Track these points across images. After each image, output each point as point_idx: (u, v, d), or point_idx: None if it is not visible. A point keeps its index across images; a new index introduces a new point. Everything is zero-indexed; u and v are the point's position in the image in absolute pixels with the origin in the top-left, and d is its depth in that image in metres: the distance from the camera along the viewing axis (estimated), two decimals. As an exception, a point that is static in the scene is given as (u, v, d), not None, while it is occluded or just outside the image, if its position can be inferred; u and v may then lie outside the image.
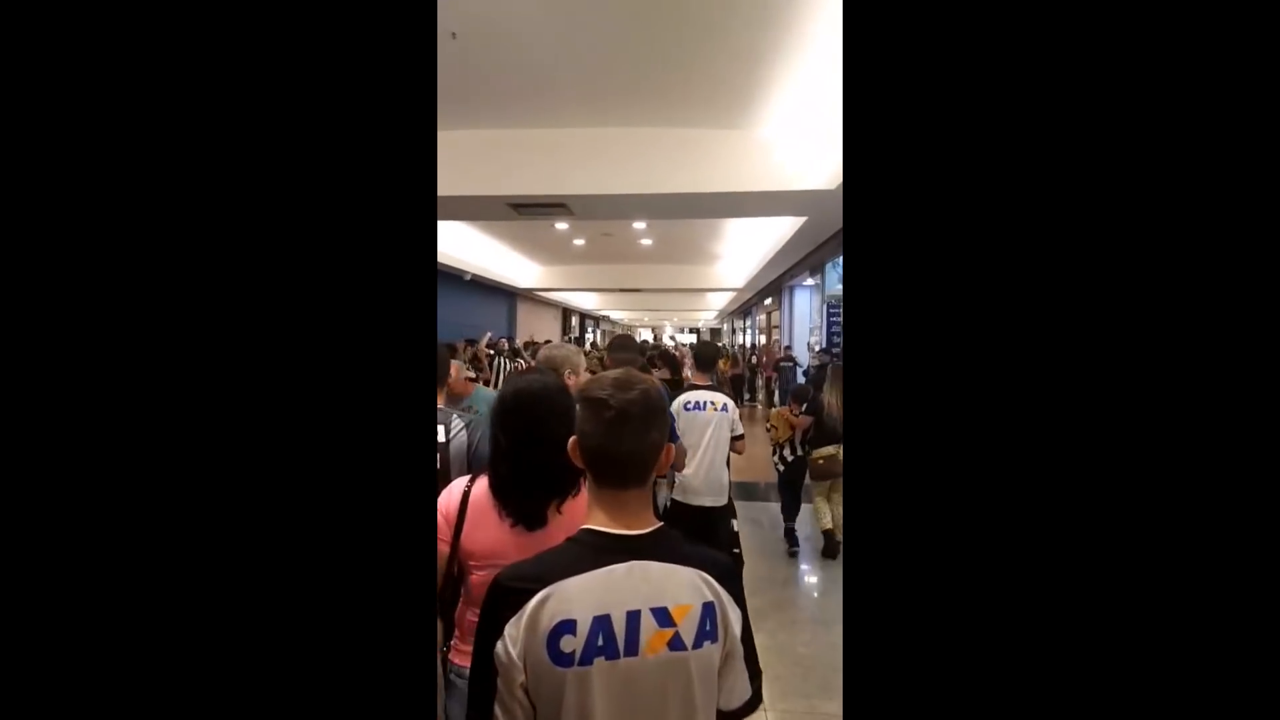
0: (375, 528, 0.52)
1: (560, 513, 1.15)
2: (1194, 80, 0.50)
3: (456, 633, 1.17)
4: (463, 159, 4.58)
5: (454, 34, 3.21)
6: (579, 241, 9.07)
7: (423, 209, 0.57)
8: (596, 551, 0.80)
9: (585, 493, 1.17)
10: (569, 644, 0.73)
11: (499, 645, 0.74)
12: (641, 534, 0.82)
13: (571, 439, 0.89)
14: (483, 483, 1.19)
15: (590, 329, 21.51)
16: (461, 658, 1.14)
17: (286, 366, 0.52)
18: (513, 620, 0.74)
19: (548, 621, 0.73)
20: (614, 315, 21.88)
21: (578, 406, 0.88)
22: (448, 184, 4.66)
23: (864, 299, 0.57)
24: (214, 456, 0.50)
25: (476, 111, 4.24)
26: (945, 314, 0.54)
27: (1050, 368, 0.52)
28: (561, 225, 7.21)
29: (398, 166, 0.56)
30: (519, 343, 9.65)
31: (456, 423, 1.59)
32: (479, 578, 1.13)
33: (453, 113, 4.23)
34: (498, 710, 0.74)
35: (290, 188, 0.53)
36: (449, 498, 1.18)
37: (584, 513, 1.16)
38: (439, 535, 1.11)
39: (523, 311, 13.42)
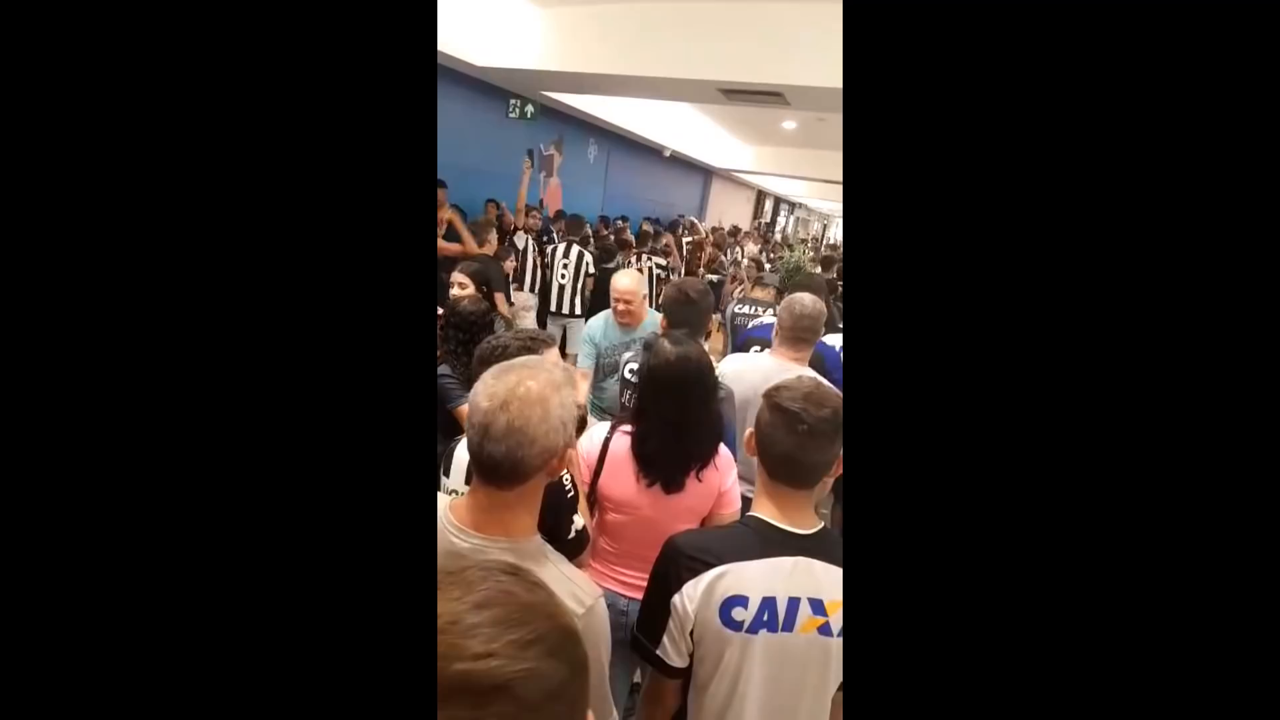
0: (372, 513, 0.51)
1: (699, 480, 1.25)
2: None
3: (591, 552, 1.33)
4: (661, 33, 4.22)
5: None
6: (789, 125, 8.34)
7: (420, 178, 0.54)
8: (766, 542, 0.93)
9: (722, 462, 1.26)
10: (739, 614, 0.90)
11: (676, 598, 0.92)
12: (808, 534, 0.95)
13: (749, 432, 0.99)
14: (622, 439, 1.28)
15: (785, 214, 20.25)
16: (594, 574, 1.32)
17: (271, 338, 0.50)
18: (692, 582, 0.91)
19: (722, 592, 0.90)
20: (812, 204, 20.27)
21: (764, 406, 0.95)
22: (645, 63, 4.36)
23: (866, 293, 0.56)
24: (188, 435, 0.48)
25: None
26: (955, 307, 0.51)
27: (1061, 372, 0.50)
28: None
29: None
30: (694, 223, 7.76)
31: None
32: (613, 519, 1.28)
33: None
34: (665, 640, 0.94)
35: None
36: (590, 444, 1.30)
37: (719, 480, 1.26)
38: (580, 478, 1.23)
39: (716, 191, 13.05)
